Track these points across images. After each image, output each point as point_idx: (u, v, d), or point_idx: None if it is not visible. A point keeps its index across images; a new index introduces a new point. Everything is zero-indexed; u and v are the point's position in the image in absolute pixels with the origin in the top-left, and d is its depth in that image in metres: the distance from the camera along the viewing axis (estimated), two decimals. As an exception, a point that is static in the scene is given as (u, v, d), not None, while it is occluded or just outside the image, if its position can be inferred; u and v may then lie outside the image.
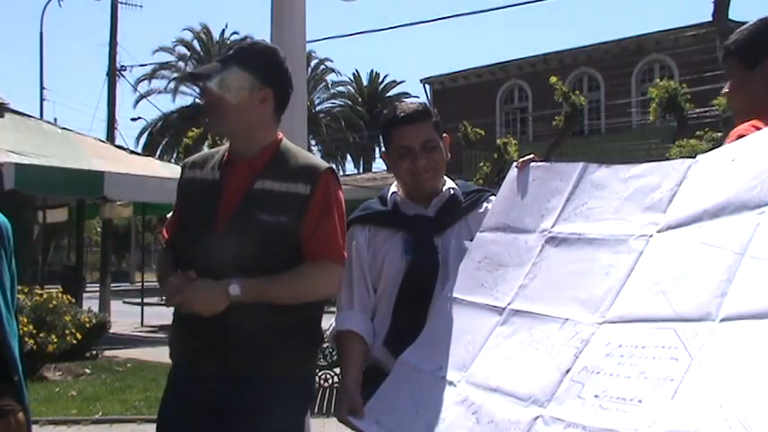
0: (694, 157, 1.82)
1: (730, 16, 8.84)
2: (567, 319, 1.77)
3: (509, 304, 1.98)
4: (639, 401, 1.44)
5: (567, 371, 1.65)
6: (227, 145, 2.32)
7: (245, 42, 2.29)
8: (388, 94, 41.01)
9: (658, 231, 1.73)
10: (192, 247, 2.17)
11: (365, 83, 42.11)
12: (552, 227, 2.03)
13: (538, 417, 1.63)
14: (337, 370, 6.71)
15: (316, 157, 2.30)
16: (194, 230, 2.19)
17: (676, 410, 1.36)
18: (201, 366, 2.14)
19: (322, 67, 39.21)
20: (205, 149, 8.57)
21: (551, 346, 1.75)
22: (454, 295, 2.17)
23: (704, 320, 1.43)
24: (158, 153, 32.03)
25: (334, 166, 2.33)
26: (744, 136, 1.88)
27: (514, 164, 2.31)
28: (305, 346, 2.24)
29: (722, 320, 1.40)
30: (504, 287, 2.03)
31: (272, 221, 2.11)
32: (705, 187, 1.69)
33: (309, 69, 34.70)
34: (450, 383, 1.95)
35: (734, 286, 1.42)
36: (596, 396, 1.54)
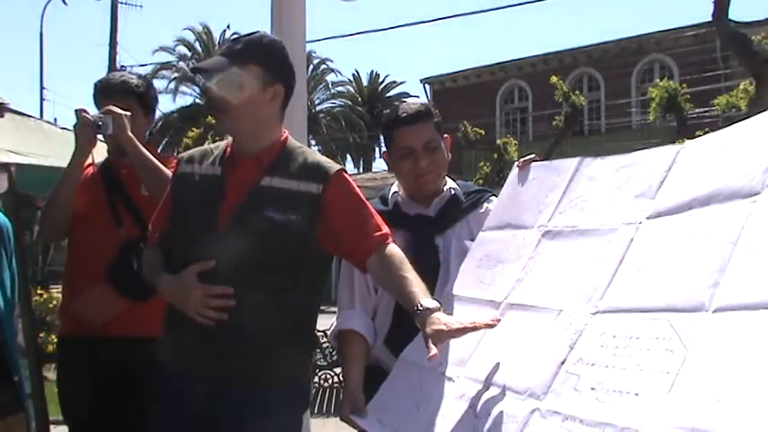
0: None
1: (730, 16, 8.82)
2: (561, 311, 1.76)
3: (505, 298, 1.97)
4: (636, 395, 1.43)
5: (563, 362, 1.64)
6: (227, 140, 2.23)
7: (256, 36, 2.12)
8: (388, 95, 40.97)
9: (648, 218, 1.71)
10: (193, 244, 2.09)
11: (365, 83, 42.05)
12: (548, 221, 2.03)
13: (535, 410, 1.62)
14: (337, 370, 6.73)
15: (325, 158, 2.22)
16: (195, 227, 2.11)
17: (673, 405, 1.35)
18: (201, 368, 2.06)
19: (322, 67, 39.18)
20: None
21: (546, 338, 1.74)
22: (453, 292, 2.17)
23: (698, 311, 1.42)
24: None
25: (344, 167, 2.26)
26: None
27: (516, 163, 2.31)
28: (303, 349, 2.20)
29: (715, 311, 1.39)
30: (501, 282, 2.03)
31: (281, 219, 2.03)
32: (695, 174, 1.66)
33: (309, 69, 34.71)
34: (450, 379, 1.94)
35: (726, 276, 1.41)
36: (593, 389, 1.52)
